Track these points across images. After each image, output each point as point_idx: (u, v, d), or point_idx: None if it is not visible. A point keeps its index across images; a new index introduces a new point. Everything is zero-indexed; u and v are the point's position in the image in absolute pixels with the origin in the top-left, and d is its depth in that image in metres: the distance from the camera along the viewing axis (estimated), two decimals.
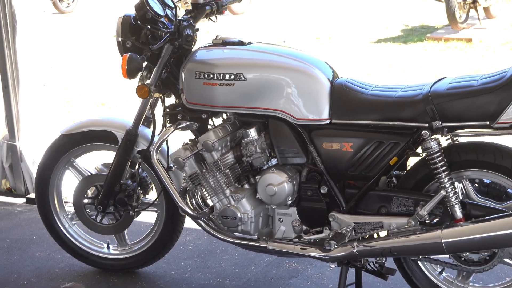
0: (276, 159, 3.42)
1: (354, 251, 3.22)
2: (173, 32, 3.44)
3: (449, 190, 3.08)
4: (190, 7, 3.66)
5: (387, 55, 9.61)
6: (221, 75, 3.34)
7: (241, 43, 3.46)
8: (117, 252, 4.02)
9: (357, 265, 3.37)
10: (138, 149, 3.71)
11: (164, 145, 3.57)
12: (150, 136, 3.62)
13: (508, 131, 3.01)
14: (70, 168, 3.98)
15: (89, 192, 3.88)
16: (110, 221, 3.88)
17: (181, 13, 3.70)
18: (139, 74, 3.49)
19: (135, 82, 3.52)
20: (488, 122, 2.99)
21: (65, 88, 8.61)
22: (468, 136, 3.16)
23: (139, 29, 3.53)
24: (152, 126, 3.63)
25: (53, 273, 4.03)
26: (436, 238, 3.06)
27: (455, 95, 3.05)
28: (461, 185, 3.19)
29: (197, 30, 3.55)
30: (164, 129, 3.55)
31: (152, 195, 3.88)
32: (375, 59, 9.48)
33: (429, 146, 3.10)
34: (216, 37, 3.51)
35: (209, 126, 3.55)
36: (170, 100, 3.63)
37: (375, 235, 3.28)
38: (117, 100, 8.09)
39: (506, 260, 3.21)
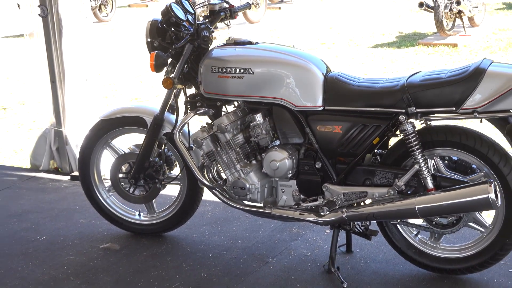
0: (278, 140, 3.48)
1: (343, 216, 3.29)
2: (193, 33, 3.50)
3: (422, 165, 3.15)
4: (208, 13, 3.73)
5: (383, 58, 9.54)
6: (233, 69, 3.39)
7: (249, 43, 3.50)
8: (147, 218, 4.06)
9: (346, 228, 3.43)
10: (164, 131, 3.75)
11: (185, 128, 3.63)
12: (174, 120, 3.67)
13: (471, 116, 3.05)
14: (107, 148, 4.02)
15: (123, 168, 3.93)
16: (141, 193, 3.91)
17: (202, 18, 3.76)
18: (165, 69, 3.55)
19: (162, 76, 3.58)
20: (454, 108, 3.05)
21: (103, 84, 8.61)
22: (438, 120, 3.21)
23: (165, 31, 3.56)
24: (175, 112, 3.70)
25: (93, 236, 4.09)
26: (411, 204, 3.13)
27: (427, 85, 3.11)
28: (433, 161, 3.25)
29: (213, 32, 3.60)
30: (185, 114, 3.60)
31: (176, 171, 3.92)
32: (373, 61, 9.41)
33: (405, 128, 3.16)
34: (229, 38, 3.55)
35: (222, 112, 3.60)
36: (191, 91, 3.68)
37: (361, 203, 3.33)
38: (148, 95, 8.09)
39: (471, 224, 3.29)
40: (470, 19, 10.96)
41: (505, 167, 3.11)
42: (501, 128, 3.15)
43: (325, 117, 3.35)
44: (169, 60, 3.58)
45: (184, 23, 3.57)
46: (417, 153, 3.18)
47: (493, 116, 3.09)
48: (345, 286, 3.37)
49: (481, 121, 3.17)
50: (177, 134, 3.57)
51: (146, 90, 8.41)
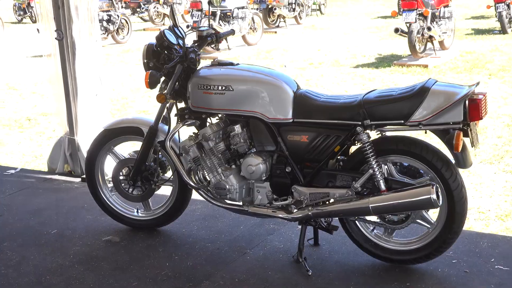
0: (254, 147, 3.55)
1: (309, 213, 3.37)
2: (182, 55, 3.57)
3: (376, 170, 3.24)
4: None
5: (362, 77, 9.54)
6: (216, 87, 3.47)
7: (231, 64, 3.58)
8: (143, 215, 4.11)
9: (312, 223, 3.50)
10: (158, 140, 3.79)
11: (176, 137, 3.70)
12: (167, 130, 3.71)
13: (417, 127, 3.15)
14: (110, 154, 4.09)
15: (124, 171, 3.99)
16: (139, 193, 3.97)
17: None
18: (158, 86, 3.61)
19: (156, 92, 3.65)
20: (403, 121, 3.14)
21: (116, 98, 8.74)
22: (390, 131, 3.29)
23: (159, 53, 3.63)
24: (168, 123, 3.74)
25: (97, 230, 4.16)
26: (366, 203, 3.22)
27: (380, 101, 3.20)
28: (386, 166, 3.32)
29: (199, 54, 3.67)
30: (176, 125, 3.68)
31: (169, 174, 3.96)
32: (353, 79, 9.43)
33: (362, 138, 3.25)
34: (214, 59, 3.64)
35: (207, 123, 3.67)
36: (181, 105, 3.74)
37: (325, 202, 3.37)
38: (155, 109, 8.06)
39: (418, 220, 3.37)
40: (441, 43, 10.96)
41: (446, 172, 3.20)
42: (443, 138, 3.21)
43: (294, 128, 3.43)
44: (162, 78, 3.64)
45: (176, 46, 3.62)
46: (371, 160, 3.26)
47: (436, 128, 3.16)
48: (310, 273, 3.43)
49: (425, 132, 3.26)
50: (168, 142, 3.65)
51: (153, 104, 8.38)
